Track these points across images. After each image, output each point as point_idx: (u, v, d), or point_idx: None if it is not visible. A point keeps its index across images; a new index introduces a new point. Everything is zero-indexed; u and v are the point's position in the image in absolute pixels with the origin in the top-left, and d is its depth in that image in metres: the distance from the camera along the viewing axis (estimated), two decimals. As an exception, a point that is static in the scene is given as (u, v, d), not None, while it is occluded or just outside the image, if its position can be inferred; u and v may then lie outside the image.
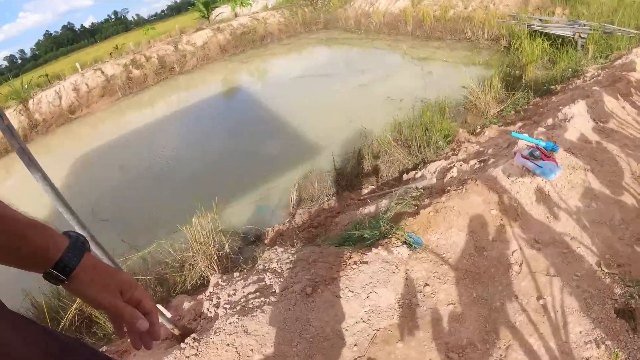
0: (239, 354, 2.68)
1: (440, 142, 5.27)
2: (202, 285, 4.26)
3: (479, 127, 5.68)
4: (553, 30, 7.54)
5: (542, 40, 7.37)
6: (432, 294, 2.81)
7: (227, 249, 4.64)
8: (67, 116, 10.07)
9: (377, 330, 2.73)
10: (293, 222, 5.34)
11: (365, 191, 5.53)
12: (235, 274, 3.60)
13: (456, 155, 4.61)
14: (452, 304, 2.73)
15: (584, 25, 7.36)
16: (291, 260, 3.39)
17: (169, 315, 3.40)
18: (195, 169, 6.80)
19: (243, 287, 3.30)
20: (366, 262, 2.95)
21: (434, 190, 3.77)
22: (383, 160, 5.62)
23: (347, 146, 6.07)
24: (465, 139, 5.02)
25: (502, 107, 6.00)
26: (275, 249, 3.87)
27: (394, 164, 5.55)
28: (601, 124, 3.84)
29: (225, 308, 3.15)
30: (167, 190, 6.37)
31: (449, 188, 3.46)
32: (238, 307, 3.03)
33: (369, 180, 5.59)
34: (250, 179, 6.36)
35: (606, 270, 2.73)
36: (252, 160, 6.76)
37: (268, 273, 3.32)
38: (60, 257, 0.82)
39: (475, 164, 3.92)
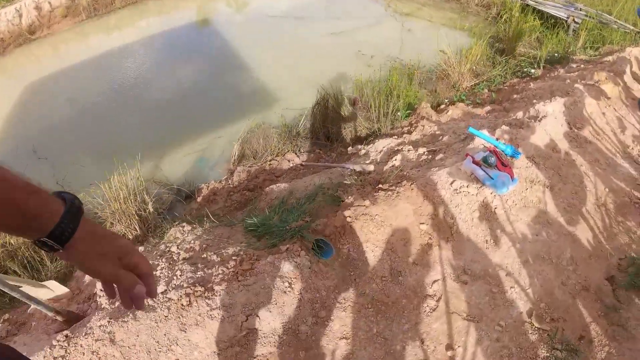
0: None
1: (399, 113, 4.51)
2: None
3: (446, 100, 4.89)
4: (547, 9, 6.56)
5: (534, 17, 6.45)
6: (326, 321, 2.25)
7: (150, 208, 4.00)
8: (26, 36, 8.83)
9: (254, 358, 2.20)
10: (230, 181, 4.68)
11: (311, 156, 4.83)
12: (140, 249, 3.00)
13: (410, 134, 3.88)
14: (345, 338, 2.19)
15: (581, 9, 6.46)
16: (191, 247, 2.78)
17: (65, 290, 2.84)
18: (144, 107, 5.92)
19: None
20: (255, 275, 2.35)
21: (368, 180, 3.11)
22: (336, 123, 4.86)
23: (303, 102, 5.27)
24: (426, 115, 4.27)
25: (476, 82, 5.17)
26: (183, 226, 3.24)
27: (347, 129, 4.81)
28: (575, 130, 3.13)
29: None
30: (111, 128, 5.55)
31: (381, 185, 2.79)
32: (116, 303, 2.45)
33: (317, 144, 4.87)
34: (197, 124, 5.57)
35: (536, 325, 2.18)
36: (203, 103, 5.90)
37: (163, 260, 2.71)
38: (56, 225, 0.71)
39: (424, 153, 3.23)
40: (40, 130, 5.63)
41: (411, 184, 2.78)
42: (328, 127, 4.89)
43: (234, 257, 2.51)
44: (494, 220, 2.61)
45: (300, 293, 2.30)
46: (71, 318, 2.60)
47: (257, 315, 2.21)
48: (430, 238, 2.52)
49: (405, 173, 3.01)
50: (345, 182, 3.10)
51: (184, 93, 6.19)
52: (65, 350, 2.20)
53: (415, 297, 2.31)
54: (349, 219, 2.57)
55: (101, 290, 2.73)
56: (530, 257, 2.43)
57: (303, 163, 4.70)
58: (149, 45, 7.64)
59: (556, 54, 5.72)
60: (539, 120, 3.05)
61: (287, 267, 2.38)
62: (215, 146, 5.21)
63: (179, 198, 4.58)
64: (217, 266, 2.48)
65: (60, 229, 0.71)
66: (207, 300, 2.27)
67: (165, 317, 2.26)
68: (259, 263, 2.39)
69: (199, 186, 4.66)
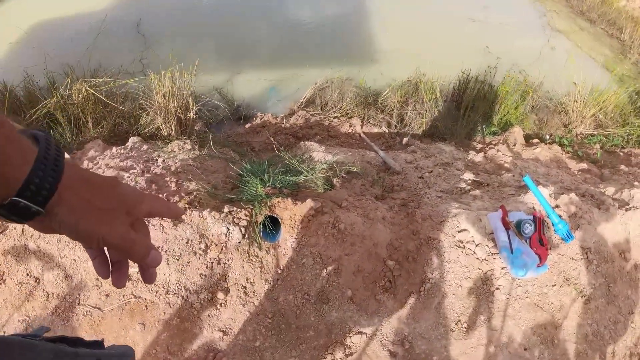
0: (23, 232, 2.11)
1: (484, 126, 3.57)
2: (153, 137, 3.62)
3: (548, 137, 3.74)
4: None
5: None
6: (220, 305, 1.87)
7: (192, 115, 3.86)
8: None
9: (133, 296, 1.95)
10: (285, 121, 4.34)
11: (374, 131, 4.21)
12: (144, 147, 2.89)
13: (477, 153, 3.00)
14: (224, 332, 1.78)
15: None
16: (169, 166, 2.54)
17: None
18: (245, 21, 5.64)
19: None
20: (182, 221, 2.02)
21: (384, 180, 2.47)
22: (414, 106, 4.09)
23: (398, 74, 4.52)
24: (512, 141, 3.29)
25: (592, 133, 3.84)
26: (186, 142, 3.03)
27: (422, 119, 4.03)
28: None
29: None
30: (211, 30, 5.44)
31: (396, 195, 2.17)
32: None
33: (384, 120, 4.20)
34: (285, 53, 5.20)
35: None
36: (299, 33, 5.44)
37: (141, 165, 2.55)
38: (30, 174, 0.43)
39: (467, 180, 2.44)
40: (150, 8, 5.73)
41: (412, 209, 2.13)
42: (404, 107, 4.18)
43: (184, 194, 2.22)
44: (485, 303, 1.87)
45: (212, 263, 1.93)
46: None
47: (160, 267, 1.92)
48: (389, 281, 1.90)
49: (422, 191, 2.33)
50: (353, 169, 2.53)
51: (284, 17, 5.80)
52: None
53: (326, 337, 1.79)
54: (312, 212, 2.06)
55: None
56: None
57: (362, 133, 4.13)
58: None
59: None
60: (626, 209, 2.05)
61: (214, 230, 2.00)
62: (292, 82, 4.83)
63: (232, 117, 4.41)
64: (163, 195, 2.21)
65: (37, 178, 0.44)
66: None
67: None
68: (193, 211, 2.05)
69: (254, 113, 4.42)
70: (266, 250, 2.01)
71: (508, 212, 2.02)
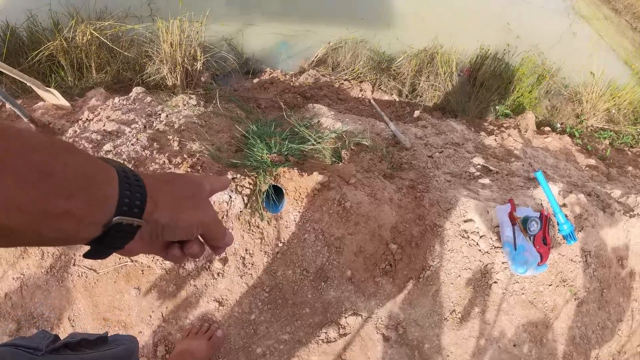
0: None
1: (497, 107, 3.40)
2: (158, 86, 3.43)
3: (559, 125, 3.59)
4: None
5: None
6: (216, 274, 1.83)
7: (198, 66, 3.64)
8: None
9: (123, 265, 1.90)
10: (294, 79, 4.14)
11: (384, 98, 4.05)
12: (149, 99, 2.73)
13: (488, 135, 2.88)
14: (219, 302, 1.75)
15: None
16: (172, 122, 2.41)
17: (66, 104, 2.67)
18: None
19: (104, 128, 2.46)
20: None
21: (392, 154, 2.37)
22: (428, 77, 3.90)
23: (413, 40, 4.26)
24: (524, 127, 3.16)
25: (603, 127, 3.71)
26: (191, 97, 2.87)
27: (437, 92, 3.85)
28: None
29: (82, 127, 2.38)
30: None
31: (404, 175, 2.07)
32: (64, 137, 2.24)
33: (396, 88, 4.02)
34: (299, 7, 4.89)
35: None
36: None
37: (143, 120, 2.42)
38: (120, 189, 0.41)
39: (477, 165, 2.35)
40: None
41: (421, 192, 2.05)
42: (417, 78, 3.98)
43: (186, 156, 2.12)
44: (481, 295, 1.85)
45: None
46: (46, 131, 2.48)
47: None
48: (390, 264, 1.86)
49: (430, 172, 2.23)
50: (362, 141, 2.41)
51: None
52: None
53: (322, 316, 1.77)
54: (318, 186, 1.98)
55: (78, 125, 2.55)
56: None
57: (373, 99, 3.97)
58: None
59: None
60: (630, 215, 1.98)
61: (216, 197, 1.92)
62: (304, 38, 4.56)
63: (240, 70, 4.19)
64: (164, 155, 2.11)
65: (127, 191, 0.41)
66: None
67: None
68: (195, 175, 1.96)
69: (263, 68, 4.21)
70: (268, 222, 1.95)
71: (516, 206, 1.95)
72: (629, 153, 3.40)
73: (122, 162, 0.43)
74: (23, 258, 1.49)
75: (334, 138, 2.44)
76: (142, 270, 1.66)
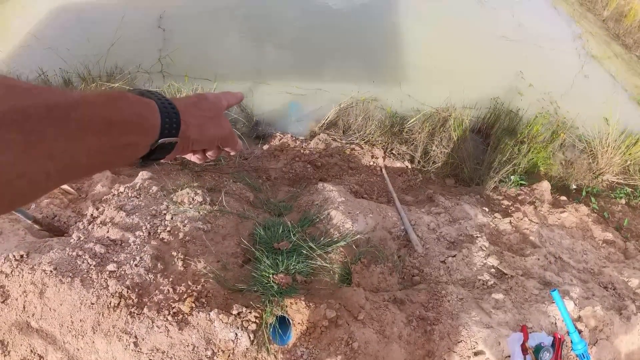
0: (24, 308, 2.01)
1: (512, 177, 3.24)
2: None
3: (574, 187, 3.40)
4: None
5: None
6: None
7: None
8: None
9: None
10: (304, 144, 4.08)
11: (396, 164, 3.93)
12: (153, 189, 2.69)
13: (503, 216, 2.71)
14: None
15: None
16: (177, 229, 2.36)
17: (72, 191, 2.71)
18: (270, 30, 5.10)
19: (116, 218, 2.43)
20: (187, 324, 1.87)
21: (404, 265, 2.26)
22: (441, 141, 3.77)
23: (427, 98, 4.15)
24: (539, 199, 2.98)
25: (619, 183, 3.49)
26: (197, 192, 2.78)
27: (450, 157, 3.72)
28: None
29: (85, 233, 2.36)
30: (232, 41, 4.95)
31: (415, 297, 1.97)
32: (69, 246, 2.19)
33: (408, 155, 3.91)
34: (310, 67, 4.81)
35: None
36: (327, 48, 4.96)
37: (147, 225, 2.36)
38: (161, 115, 0.55)
39: (491, 268, 2.22)
40: (173, 7, 5.25)
41: (431, 323, 1.94)
42: (435, 142, 3.86)
43: (190, 283, 2.05)
44: None
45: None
46: (51, 229, 2.47)
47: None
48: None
49: (443, 290, 2.12)
50: (373, 248, 2.31)
51: (313, 31, 5.30)
52: (12, 271, 2.06)
53: None
54: (324, 323, 1.89)
55: (93, 208, 2.52)
56: None
57: (384, 168, 3.86)
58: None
59: None
60: None
61: (222, 335, 1.85)
62: (315, 98, 4.49)
63: (250, 135, 4.15)
64: (169, 280, 2.05)
65: (167, 118, 0.55)
66: (129, 317, 1.90)
67: (92, 303, 1.97)
68: (200, 313, 1.90)
69: (273, 132, 4.16)
70: (274, 355, 1.87)
71: (529, 330, 1.83)
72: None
73: (159, 94, 0.57)
74: None
75: (342, 246, 2.35)
76: None
